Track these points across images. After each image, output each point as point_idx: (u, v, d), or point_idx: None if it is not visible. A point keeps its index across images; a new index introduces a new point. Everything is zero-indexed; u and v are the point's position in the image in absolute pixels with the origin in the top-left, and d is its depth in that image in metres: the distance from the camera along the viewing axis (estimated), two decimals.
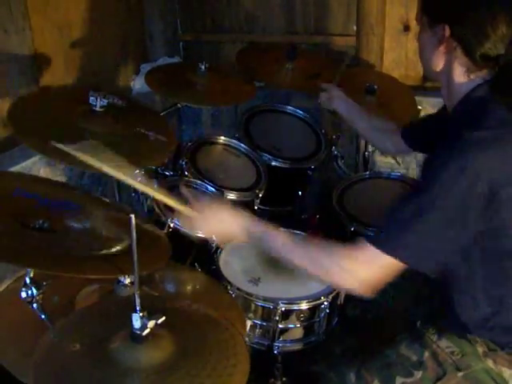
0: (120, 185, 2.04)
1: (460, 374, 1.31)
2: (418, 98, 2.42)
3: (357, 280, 1.27)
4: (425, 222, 1.19)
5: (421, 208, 1.19)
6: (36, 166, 2.15)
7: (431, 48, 1.32)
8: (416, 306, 1.63)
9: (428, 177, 1.22)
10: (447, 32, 1.26)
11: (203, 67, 2.17)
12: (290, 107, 2.43)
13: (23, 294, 1.29)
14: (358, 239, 1.27)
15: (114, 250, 1.29)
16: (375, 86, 2.26)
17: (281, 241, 1.37)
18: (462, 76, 1.29)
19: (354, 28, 2.79)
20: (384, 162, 2.68)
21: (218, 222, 1.44)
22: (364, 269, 1.25)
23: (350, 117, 2.01)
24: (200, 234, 1.61)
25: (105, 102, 1.68)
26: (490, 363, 1.32)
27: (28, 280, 1.28)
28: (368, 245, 1.23)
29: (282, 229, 1.41)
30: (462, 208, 1.16)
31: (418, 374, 1.33)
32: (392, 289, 1.66)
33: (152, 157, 1.77)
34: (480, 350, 1.33)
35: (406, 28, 2.72)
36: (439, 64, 1.32)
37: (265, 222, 1.43)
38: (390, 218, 1.26)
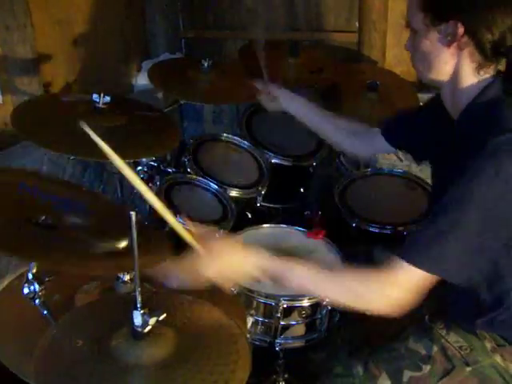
0: (122, 182, 2.04)
1: (468, 368, 1.31)
2: (420, 95, 2.41)
3: (398, 303, 1.21)
4: (461, 233, 1.15)
5: (456, 219, 1.15)
6: (38, 162, 2.15)
7: (438, 51, 1.25)
8: (424, 302, 1.62)
9: (459, 187, 1.16)
10: (461, 29, 1.20)
11: (206, 64, 2.16)
12: None
13: (25, 290, 1.29)
14: (390, 259, 1.21)
15: (116, 246, 1.29)
16: (377, 83, 2.25)
17: (305, 275, 1.27)
18: (471, 75, 1.25)
19: (356, 24, 2.78)
20: (386, 159, 2.67)
21: (229, 260, 1.28)
22: (404, 290, 1.20)
23: (307, 118, 1.87)
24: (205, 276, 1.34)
25: (107, 98, 1.68)
26: (497, 359, 1.31)
27: (30, 276, 1.28)
28: (404, 264, 1.18)
29: (297, 260, 1.30)
30: (497, 213, 1.14)
31: (427, 369, 1.33)
32: None
33: (155, 149, 1.77)
34: (488, 345, 1.32)
35: (409, 24, 2.71)
36: (447, 66, 1.26)
37: (279, 257, 1.30)
38: (424, 232, 1.20)
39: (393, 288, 1.20)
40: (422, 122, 1.56)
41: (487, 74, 1.24)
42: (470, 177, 1.14)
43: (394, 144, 1.71)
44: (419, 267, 1.17)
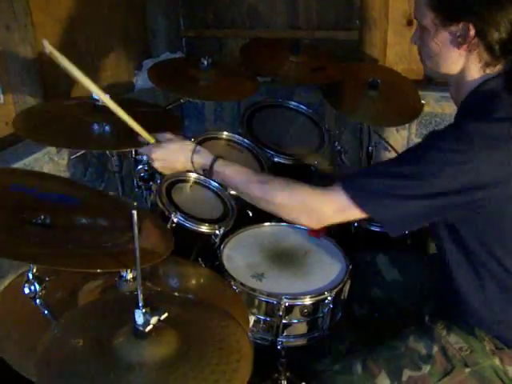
0: (123, 181, 2.04)
1: (467, 370, 1.31)
2: (421, 92, 2.41)
3: (317, 217, 1.32)
4: (402, 184, 1.22)
5: (403, 169, 1.22)
6: (39, 162, 2.15)
7: (447, 51, 1.26)
8: (423, 303, 1.62)
9: (421, 147, 1.24)
10: (472, 31, 1.21)
11: (206, 62, 2.16)
12: (293, 102, 2.42)
13: (26, 290, 1.29)
14: (335, 183, 1.30)
15: (115, 243, 1.29)
16: (378, 81, 2.25)
17: (242, 174, 1.43)
18: (477, 72, 1.26)
19: (357, 22, 2.77)
20: (387, 157, 2.67)
21: (174, 150, 1.49)
22: (331, 212, 1.30)
23: None
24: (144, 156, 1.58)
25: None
26: (496, 361, 1.31)
27: (30, 276, 1.28)
28: (342, 192, 1.26)
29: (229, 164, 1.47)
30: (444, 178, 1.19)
31: (426, 368, 1.33)
32: (398, 286, 1.66)
33: None
34: (488, 347, 1.33)
35: (410, 22, 2.71)
36: (456, 65, 1.28)
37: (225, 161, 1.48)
38: (372, 170, 1.33)
39: (320, 203, 1.31)
40: None
41: (492, 72, 1.25)
42: (433, 137, 1.23)
43: None
44: (347, 189, 1.26)
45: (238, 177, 1.43)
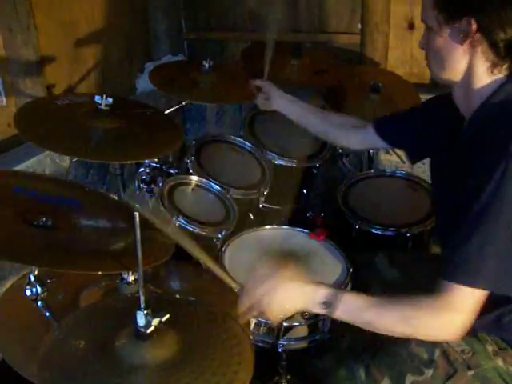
0: (124, 184, 2.05)
1: (470, 372, 1.30)
2: (422, 96, 2.41)
3: (462, 326, 1.19)
4: (497, 242, 1.14)
5: (489, 229, 1.14)
6: (41, 164, 2.15)
7: (451, 48, 1.25)
8: None
9: (486, 195, 1.14)
10: (474, 26, 1.19)
11: (207, 65, 2.17)
12: None
13: (28, 292, 1.29)
14: (439, 283, 1.19)
15: (117, 246, 1.29)
16: (380, 84, 2.26)
17: (364, 307, 1.25)
18: (484, 74, 1.24)
19: (359, 26, 2.78)
20: (389, 161, 2.67)
21: (282, 294, 1.28)
22: (462, 312, 1.18)
23: (297, 116, 1.91)
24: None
25: (110, 100, 1.69)
26: (499, 362, 1.31)
27: (32, 278, 1.28)
28: (454, 286, 1.16)
29: (349, 291, 1.33)
30: None
31: (429, 373, 1.32)
32: (398, 286, 1.66)
33: (158, 150, 1.78)
34: (490, 348, 1.32)
35: (411, 26, 2.72)
36: (461, 65, 1.25)
37: (332, 288, 1.29)
38: (462, 249, 1.17)
39: (451, 313, 1.19)
40: (421, 121, 1.57)
41: (501, 73, 1.23)
42: (496, 184, 1.13)
43: (385, 139, 1.72)
44: (468, 285, 1.16)
45: (365, 305, 1.25)
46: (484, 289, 1.17)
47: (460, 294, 1.17)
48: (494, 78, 1.24)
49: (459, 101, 1.33)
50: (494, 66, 1.23)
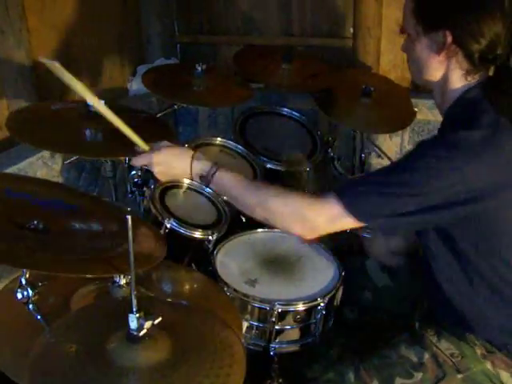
0: (116, 187, 2.04)
1: (459, 375, 1.32)
2: (414, 100, 2.43)
3: (312, 226, 1.33)
4: (393, 193, 1.24)
5: (393, 178, 1.25)
6: (33, 166, 2.14)
7: (428, 57, 1.30)
8: (414, 309, 1.63)
9: (411, 156, 1.26)
10: (449, 38, 1.25)
11: (200, 68, 2.17)
12: (285, 109, 2.43)
13: (19, 295, 1.28)
14: (329, 192, 1.31)
15: (109, 248, 1.29)
16: (372, 88, 2.27)
17: (233, 182, 1.44)
18: (458, 80, 1.30)
19: (351, 30, 2.79)
20: (380, 164, 2.68)
21: (174, 154, 1.50)
22: (322, 217, 1.31)
23: None
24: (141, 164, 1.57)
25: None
26: (488, 365, 1.32)
27: (23, 281, 1.28)
28: (335, 200, 1.28)
29: (226, 168, 1.47)
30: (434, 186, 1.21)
31: (418, 376, 1.33)
32: (388, 291, 1.67)
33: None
34: (479, 351, 1.33)
35: (403, 31, 2.73)
36: (437, 72, 1.31)
37: (208, 160, 1.50)
38: (364, 179, 1.35)
39: (313, 212, 1.31)
40: None
41: (474, 79, 1.29)
42: (423, 146, 1.26)
43: None
44: (341, 198, 1.27)
45: (236, 184, 1.44)
46: (347, 209, 1.27)
47: (330, 201, 1.28)
48: (468, 82, 1.30)
49: (436, 98, 1.40)
50: (468, 73, 1.29)
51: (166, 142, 1.55)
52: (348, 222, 1.29)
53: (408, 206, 1.22)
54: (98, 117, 1.70)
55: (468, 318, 1.35)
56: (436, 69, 1.31)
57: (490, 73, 1.32)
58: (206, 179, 1.48)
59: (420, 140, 1.34)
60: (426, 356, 1.36)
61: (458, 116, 1.29)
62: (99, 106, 1.49)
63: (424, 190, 1.21)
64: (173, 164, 1.50)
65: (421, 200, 1.21)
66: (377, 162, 2.70)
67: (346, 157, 2.60)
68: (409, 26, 1.33)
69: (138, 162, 1.54)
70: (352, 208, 1.27)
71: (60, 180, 2.28)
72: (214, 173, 1.46)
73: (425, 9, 1.30)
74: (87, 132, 1.70)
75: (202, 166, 1.49)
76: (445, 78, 1.32)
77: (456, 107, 1.31)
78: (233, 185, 1.44)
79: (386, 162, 2.62)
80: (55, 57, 2.36)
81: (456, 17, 1.25)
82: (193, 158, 1.50)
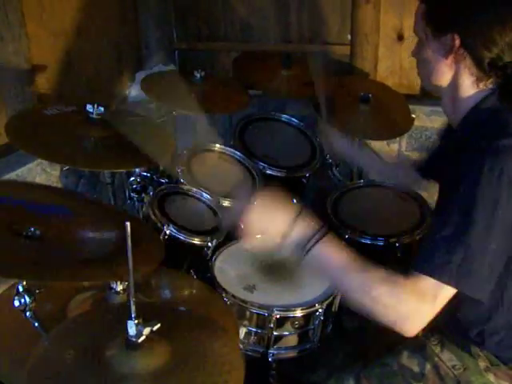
0: (115, 192, 2.04)
1: None
2: (411, 107, 2.44)
3: (417, 317, 1.17)
4: (468, 238, 1.13)
5: (460, 225, 1.14)
6: (32, 172, 2.15)
7: (437, 60, 1.28)
8: None
9: (462, 191, 1.16)
10: (457, 41, 1.23)
11: (199, 75, 2.18)
12: (284, 116, 2.44)
13: (16, 303, 1.28)
14: (409, 273, 1.18)
15: (106, 254, 1.29)
16: (369, 95, 2.28)
17: (342, 258, 1.22)
18: (469, 87, 1.27)
19: (349, 37, 2.81)
20: None
21: (269, 214, 1.25)
22: (424, 303, 1.16)
23: (361, 164, 1.98)
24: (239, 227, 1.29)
25: (101, 109, 1.69)
26: (491, 377, 1.30)
27: (21, 288, 1.27)
28: (422, 276, 1.15)
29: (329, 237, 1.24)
30: (500, 216, 1.14)
31: None
32: None
33: (148, 159, 1.78)
34: (482, 364, 1.32)
35: (400, 37, 2.74)
36: (446, 77, 1.29)
37: (325, 230, 1.24)
38: (432, 241, 1.18)
39: (414, 300, 1.16)
40: (440, 150, 1.62)
41: (486, 87, 1.26)
42: (471, 182, 1.14)
43: (429, 178, 1.77)
44: (433, 277, 1.15)
45: (339, 260, 1.22)
46: (446, 283, 1.15)
47: (425, 284, 1.15)
48: (480, 90, 1.27)
49: (447, 108, 1.36)
50: (478, 80, 1.26)
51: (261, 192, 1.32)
52: (447, 295, 1.17)
53: (489, 247, 1.15)
54: (97, 123, 1.70)
55: (475, 330, 1.33)
56: (444, 73, 1.28)
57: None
58: (303, 246, 1.23)
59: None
60: (428, 367, 1.34)
61: (478, 128, 1.25)
62: None
63: (495, 226, 1.14)
64: (270, 219, 1.25)
65: (492, 233, 1.14)
66: None
67: (344, 163, 2.61)
68: (419, 29, 1.31)
69: (232, 220, 1.29)
70: (443, 277, 1.15)
71: (59, 186, 2.28)
72: (318, 241, 1.23)
73: (435, 12, 1.28)
74: (86, 143, 1.69)
75: (305, 227, 1.23)
76: (454, 84, 1.29)
77: (475, 116, 1.28)
78: (336, 259, 1.22)
79: None
80: (54, 63, 2.37)
81: (465, 21, 1.23)
82: (298, 214, 1.25)
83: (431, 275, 1.15)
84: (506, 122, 1.21)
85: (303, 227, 1.23)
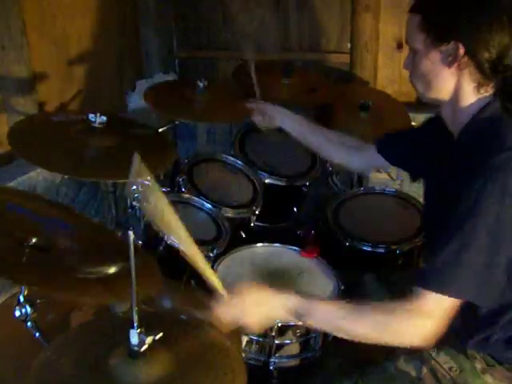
0: (116, 201, 2.05)
1: None
2: (411, 115, 2.44)
3: (431, 332, 1.20)
4: (473, 253, 1.15)
5: (465, 240, 1.16)
6: (33, 181, 2.15)
7: (439, 71, 1.27)
8: None
9: (466, 207, 1.17)
10: (462, 49, 1.22)
11: (202, 85, 2.16)
12: None
13: (17, 313, 1.27)
14: (413, 289, 1.20)
15: (108, 271, 1.28)
16: (369, 103, 2.28)
17: (337, 314, 1.27)
18: (471, 94, 1.26)
19: (348, 45, 2.82)
20: (378, 178, 2.69)
21: (257, 305, 1.30)
22: (433, 318, 1.19)
23: (301, 134, 1.89)
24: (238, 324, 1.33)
25: (103, 118, 1.70)
26: (488, 379, 1.31)
27: (22, 298, 1.27)
28: (427, 292, 1.18)
29: (321, 299, 1.35)
30: (504, 230, 1.15)
31: None
32: None
33: (150, 168, 1.78)
34: (478, 366, 1.32)
35: (400, 46, 2.76)
36: (447, 86, 1.28)
37: (306, 297, 1.31)
38: (437, 257, 1.19)
39: (423, 318, 1.20)
40: (421, 140, 1.58)
41: (487, 92, 1.26)
42: (475, 195, 1.16)
43: (388, 158, 1.72)
44: (438, 292, 1.18)
45: (337, 315, 1.28)
46: (454, 297, 1.18)
47: (431, 300, 1.19)
48: (480, 96, 1.27)
49: (447, 117, 1.35)
50: (480, 85, 1.25)
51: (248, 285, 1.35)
52: (453, 305, 1.20)
53: (496, 258, 1.17)
54: (99, 132, 1.71)
55: (472, 332, 1.33)
56: (446, 82, 1.27)
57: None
58: (302, 316, 1.29)
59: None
60: (425, 371, 1.35)
61: (479, 138, 1.25)
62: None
63: (501, 235, 1.16)
64: (268, 306, 1.31)
65: (495, 245, 1.16)
66: (375, 176, 2.70)
67: (345, 171, 2.61)
68: (416, 41, 1.28)
69: (227, 316, 1.30)
70: (447, 289, 1.18)
71: (60, 194, 2.28)
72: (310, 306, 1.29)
73: (433, 20, 1.25)
74: (87, 151, 1.69)
75: (297, 300, 1.29)
76: (456, 94, 1.28)
77: (475, 126, 1.27)
78: (333, 316, 1.28)
79: (383, 176, 2.63)
80: (55, 71, 2.38)
81: (467, 27, 1.21)
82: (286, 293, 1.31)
83: (436, 291, 1.18)
84: (505, 134, 1.21)
85: (296, 298, 1.29)
